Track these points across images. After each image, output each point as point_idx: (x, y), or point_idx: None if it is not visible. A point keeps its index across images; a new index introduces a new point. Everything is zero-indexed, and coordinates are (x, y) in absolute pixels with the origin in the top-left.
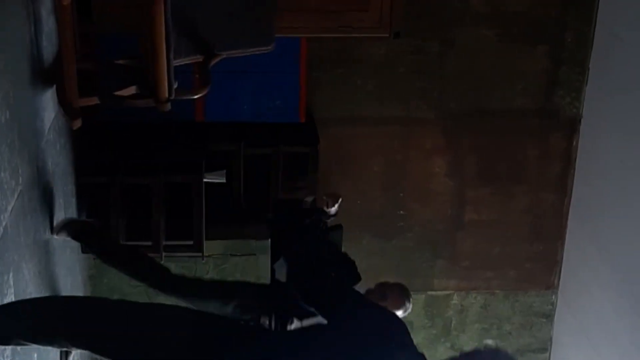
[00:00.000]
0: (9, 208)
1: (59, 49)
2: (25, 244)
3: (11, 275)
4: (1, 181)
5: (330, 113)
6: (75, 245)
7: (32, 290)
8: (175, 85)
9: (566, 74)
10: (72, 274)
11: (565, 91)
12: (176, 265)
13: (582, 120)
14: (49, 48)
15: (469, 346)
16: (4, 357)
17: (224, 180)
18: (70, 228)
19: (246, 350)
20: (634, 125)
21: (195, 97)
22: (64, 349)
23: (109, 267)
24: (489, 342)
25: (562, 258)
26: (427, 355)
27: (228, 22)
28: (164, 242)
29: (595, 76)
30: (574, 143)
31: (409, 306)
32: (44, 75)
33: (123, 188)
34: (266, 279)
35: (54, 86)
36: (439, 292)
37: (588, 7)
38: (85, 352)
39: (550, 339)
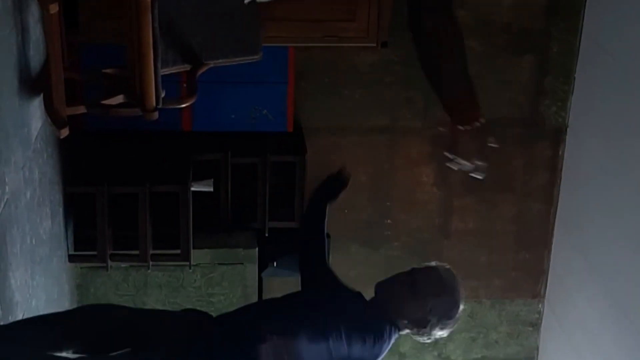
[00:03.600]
0: None
1: (46, 57)
2: (12, 252)
3: None
4: None
5: (317, 122)
6: (62, 254)
7: (19, 299)
8: (162, 95)
9: (552, 84)
10: (59, 284)
11: (551, 101)
12: (163, 274)
13: (568, 129)
14: (36, 57)
15: (457, 356)
16: None
17: (211, 190)
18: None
19: None
20: (620, 135)
21: (182, 106)
22: None
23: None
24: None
25: (548, 267)
26: None
27: (215, 31)
28: (151, 251)
29: (581, 86)
30: (560, 152)
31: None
32: (31, 84)
33: (110, 197)
34: (253, 288)
35: (41, 95)
36: None
37: (574, 17)
38: None
39: (537, 348)
